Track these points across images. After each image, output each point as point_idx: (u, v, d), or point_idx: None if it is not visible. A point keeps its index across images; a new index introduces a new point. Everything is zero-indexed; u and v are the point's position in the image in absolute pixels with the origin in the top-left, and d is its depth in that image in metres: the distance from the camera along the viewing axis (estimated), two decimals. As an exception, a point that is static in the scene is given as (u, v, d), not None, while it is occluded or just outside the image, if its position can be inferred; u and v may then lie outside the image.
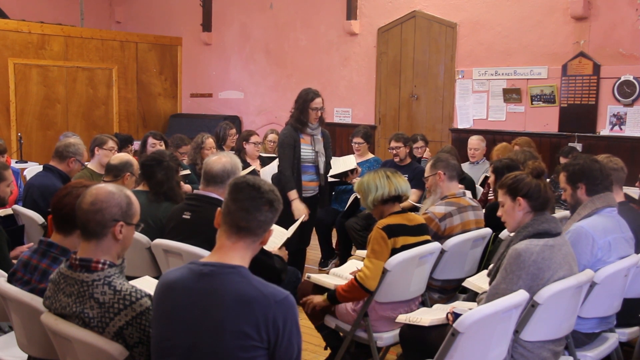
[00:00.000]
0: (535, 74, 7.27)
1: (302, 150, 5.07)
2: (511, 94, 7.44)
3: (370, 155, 6.52)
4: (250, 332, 1.95)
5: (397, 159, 6.04)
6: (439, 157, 4.21)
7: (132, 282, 2.31)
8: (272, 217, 2.15)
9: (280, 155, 5.10)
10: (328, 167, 5.33)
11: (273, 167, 5.75)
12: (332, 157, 5.55)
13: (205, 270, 2.04)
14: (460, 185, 4.29)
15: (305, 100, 5.07)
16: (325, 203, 5.49)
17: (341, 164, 5.92)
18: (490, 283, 2.98)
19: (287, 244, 3.78)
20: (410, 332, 3.13)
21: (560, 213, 4.38)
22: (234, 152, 5.96)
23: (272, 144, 7.11)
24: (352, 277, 3.45)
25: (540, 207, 2.95)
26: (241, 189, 2.11)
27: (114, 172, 4.18)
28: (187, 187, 5.06)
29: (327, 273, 3.94)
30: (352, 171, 5.83)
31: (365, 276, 3.33)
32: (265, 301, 1.97)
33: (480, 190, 5.79)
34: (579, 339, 3.22)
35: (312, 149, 5.15)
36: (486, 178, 5.59)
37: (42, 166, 5.06)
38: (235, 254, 2.08)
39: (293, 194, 4.92)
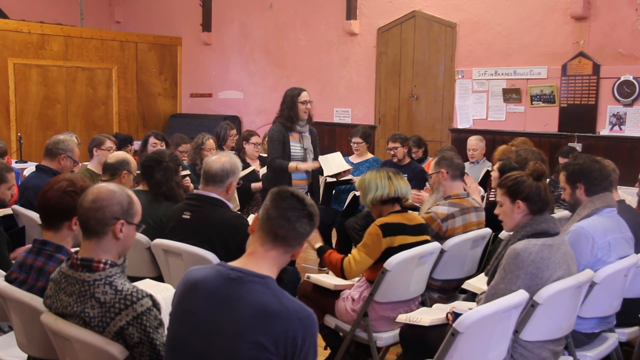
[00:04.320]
0: (535, 74, 7.27)
1: (291, 147, 5.10)
2: (511, 94, 7.44)
3: (369, 155, 6.52)
4: (268, 345, 1.91)
5: (395, 159, 6.05)
6: (443, 155, 4.19)
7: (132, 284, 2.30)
8: (309, 231, 2.13)
9: (270, 149, 5.14)
10: None
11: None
12: (320, 156, 5.60)
13: (232, 275, 2.01)
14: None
15: (292, 96, 5.15)
16: (316, 200, 5.53)
17: (331, 163, 5.96)
18: (488, 283, 2.98)
19: None
20: (410, 332, 3.13)
21: (560, 213, 4.38)
22: (234, 152, 5.97)
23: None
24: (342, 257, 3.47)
25: (539, 210, 2.95)
26: (284, 198, 2.10)
27: (111, 171, 4.17)
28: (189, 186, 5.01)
29: (327, 273, 3.95)
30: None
31: (349, 267, 3.37)
32: (288, 317, 1.94)
33: (480, 190, 5.78)
34: (578, 339, 3.22)
35: (300, 147, 5.18)
36: (486, 176, 5.59)
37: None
38: (265, 263, 2.06)
39: (292, 165, 5.05)
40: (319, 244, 3.58)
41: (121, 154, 4.37)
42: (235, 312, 1.95)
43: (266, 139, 7.27)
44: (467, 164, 6.55)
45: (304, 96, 5.16)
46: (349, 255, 3.42)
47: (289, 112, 5.13)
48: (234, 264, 2.08)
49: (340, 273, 3.41)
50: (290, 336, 1.92)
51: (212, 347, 1.97)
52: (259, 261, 2.06)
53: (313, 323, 1.99)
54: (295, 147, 5.14)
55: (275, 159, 5.08)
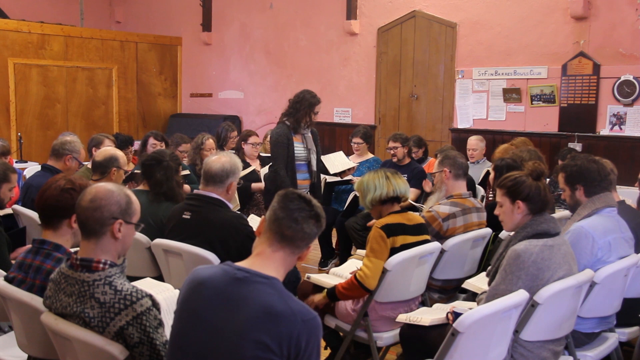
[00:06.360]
0: (535, 74, 7.27)
1: (295, 148, 5.13)
2: (511, 94, 7.44)
3: (369, 155, 6.52)
4: (272, 345, 1.92)
5: (395, 159, 6.05)
6: (447, 154, 4.18)
7: (132, 284, 2.30)
8: (316, 232, 2.15)
9: (275, 155, 5.16)
10: (319, 164, 5.41)
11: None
12: (322, 156, 5.61)
13: (239, 275, 2.02)
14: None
15: (311, 104, 5.19)
16: (318, 199, 5.54)
17: (334, 162, 5.96)
18: (489, 283, 2.98)
19: None
20: (410, 332, 3.13)
21: (560, 213, 4.38)
22: (233, 152, 5.97)
23: (272, 144, 7.10)
24: (352, 276, 3.44)
25: (539, 210, 2.95)
26: (292, 200, 2.12)
27: (100, 169, 4.13)
28: (186, 188, 5.04)
29: (327, 273, 3.94)
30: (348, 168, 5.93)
31: (365, 275, 3.33)
32: (293, 318, 1.95)
33: (480, 190, 5.78)
34: (579, 339, 3.22)
35: (304, 147, 5.21)
36: (486, 176, 5.58)
37: (40, 166, 5.04)
38: (271, 264, 2.07)
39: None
40: (322, 294, 3.49)
41: (108, 150, 4.29)
42: (240, 312, 1.96)
43: (267, 139, 7.30)
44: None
45: (319, 107, 5.26)
46: (360, 267, 3.40)
47: (302, 115, 5.18)
48: (241, 264, 2.08)
49: (361, 288, 3.33)
50: (294, 337, 1.93)
51: (215, 347, 1.97)
52: (266, 262, 2.07)
53: (317, 326, 2.00)
54: (298, 148, 5.18)
55: (280, 172, 5.11)
